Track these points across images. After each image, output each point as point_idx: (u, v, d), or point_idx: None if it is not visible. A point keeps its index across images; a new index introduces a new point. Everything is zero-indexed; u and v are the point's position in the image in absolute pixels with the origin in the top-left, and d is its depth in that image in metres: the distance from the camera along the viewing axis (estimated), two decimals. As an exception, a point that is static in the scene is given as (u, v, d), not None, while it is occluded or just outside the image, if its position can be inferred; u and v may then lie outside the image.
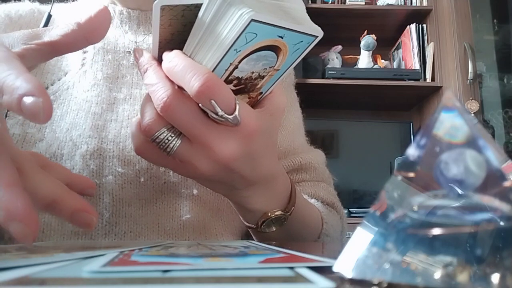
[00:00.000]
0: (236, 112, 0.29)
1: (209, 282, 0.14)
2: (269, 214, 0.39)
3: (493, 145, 0.15)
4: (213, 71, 0.28)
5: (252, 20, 0.25)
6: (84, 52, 0.52)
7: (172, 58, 0.29)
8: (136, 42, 0.54)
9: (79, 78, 0.50)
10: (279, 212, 0.39)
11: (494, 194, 0.14)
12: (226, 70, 0.28)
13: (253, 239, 0.46)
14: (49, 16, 0.49)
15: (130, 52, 0.53)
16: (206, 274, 0.16)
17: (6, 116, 0.45)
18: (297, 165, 0.56)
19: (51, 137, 0.45)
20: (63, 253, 0.22)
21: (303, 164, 0.56)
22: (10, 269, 0.16)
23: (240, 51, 0.27)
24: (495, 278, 0.13)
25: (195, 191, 0.47)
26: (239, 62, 0.28)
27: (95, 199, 0.44)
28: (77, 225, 0.27)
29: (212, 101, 0.28)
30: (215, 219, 0.50)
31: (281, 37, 0.27)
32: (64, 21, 0.56)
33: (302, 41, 0.29)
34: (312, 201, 0.53)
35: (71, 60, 0.52)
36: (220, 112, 0.28)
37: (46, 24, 0.49)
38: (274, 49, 0.28)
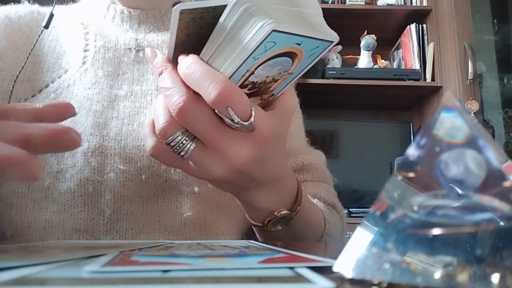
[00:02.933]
0: (252, 119, 0.29)
1: (209, 282, 0.14)
2: (276, 213, 0.39)
3: (493, 145, 0.15)
4: (230, 77, 0.28)
5: (273, 30, 0.25)
6: (85, 51, 0.52)
7: (189, 63, 0.29)
8: (136, 39, 0.54)
9: (80, 76, 0.50)
10: (285, 212, 0.39)
11: (494, 194, 0.14)
12: (243, 76, 0.29)
13: (254, 237, 0.46)
14: (51, 16, 0.49)
15: (130, 49, 0.53)
16: (206, 274, 0.16)
17: None
18: (299, 165, 0.56)
19: None
20: (63, 253, 0.22)
21: (305, 164, 0.57)
22: (10, 269, 0.16)
23: (258, 58, 0.27)
24: (495, 278, 0.13)
25: (196, 189, 0.47)
26: (256, 68, 0.28)
27: (97, 196, 0.44)
28: (61, 150, 0.25)
29: (229, 109, 0.28)
30: (216, 217, 0.50)
31: (299, 44, 0.28)
32: (65, 23, 0.56)
33: (318, 47, 0.29)
34: (315, 201, 0.54)
35: (71, 58, 0.52)
36: (237, 119, 0.28)
37: (47, 24, 0.49)
38: (291, 55, 0.28)
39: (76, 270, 0.16)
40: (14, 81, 0.47)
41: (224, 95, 0.27)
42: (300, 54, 0.29)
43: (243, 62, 0.27)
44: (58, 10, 0.56)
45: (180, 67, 0.29)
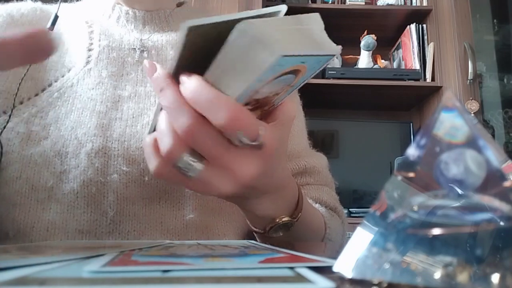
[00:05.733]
0: (260, 138, 0.29)
1: (209, 282, 0.14)
2: (277, 220, 0.39)
3: (493, 145, 0.15)
4: (236, 99, 0.28)
5: (281, 56, 0.25)
6: (89, 50, 0.52)
7: (195, 87, 0.28)
8: (141, 40, 0.54)
9: (83, 76, 0.50)
10: (286, 219, 0.39)
11: (494, 194, 0.14)
12: (249, 96, 0.29)
13: (255, 239, 0.46)
14: (56, 17, 0.49)
15: (135, 49, 0.53)
16: (206, 274, 0.16)
17: (10, 115, 0.45)
18: (302, 168, 0.56)
19: (56, 135, 0.45)
20: (63, 253, 0.22)
21: (307, 167, 0.56)
22: (10, 269, 0.16)
23: (264, 81, 0.27)
24: (495, 278, 0.13)
25: None
26: (261, 88, 0.28)
27: (100, 197, 0.44)
28: (38, 55, 0.24)
29: (238, 132, 0.28)
30: (218, 219, 0.50)
31: (303, 62, 0.28)
32: (68, 21, 0.55)
33: (320, 61, 0.29)
34: (316, 205, 0.53)
35: (74, 57, 0.52)
36: (246, 141, 0.28)
37: (52, 26, 0.48)
38: (294, 72, 0.29)
39: (76, 270, 0.16)
40: (19, 83, 0.47)
41: (233, 120, 0.27)
42: (303, 69, 0.29)
43: (250, 85, 0.27)
44: (61, 8, 0.56)
45: (185, 89, 0.28)
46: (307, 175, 0.57)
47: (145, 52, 0.54)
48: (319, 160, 0.59)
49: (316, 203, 0.54)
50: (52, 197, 0.44)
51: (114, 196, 0.45)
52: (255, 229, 0.41)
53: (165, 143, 0.30)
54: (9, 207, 0.45)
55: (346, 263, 0.16)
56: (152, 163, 0.32)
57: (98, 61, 0.51)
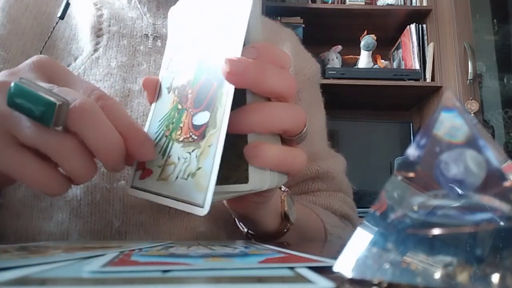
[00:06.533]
0: None
1: (209, 282, 0.14)
2: (282, 198, 0.37)
3: (493, 145, 0.15)
4: None
5: None
6: (98, 36, 0.48)
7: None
8: (154, 25, 0.50)
9: (90, 65, 0.46)
10: (283, 191, 0.38)
11: (494, 194, 0.14)
12: None
13: None
14: (67, 5, 0.45)
15: (147, 35, 0.49)
16: (206, 274, 0.16)
17: None
18: (314, 173, 0.53)
19: None
20: (63, 253, 0.22)
21: (320, 172, 0.53)
22: (10, 269, 0.16)
23: None
24: (495, 278, 0.13)
25: None
26: None
27: (105, 205, 0.41)
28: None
29: None
30: (228, 229, 0.47)
31: None
32: (76, 3, 0.50)
33: None
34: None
35: (81, 43, 0.48)
36: None
37: (63, 14, 0.45)
38: None
39: (76, 270, 0.16)
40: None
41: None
42: None
43: None
44: None
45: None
46: (320, 180, 0.54)
47: (158, 40, 0.50)
48: (334, 164, 0.56)
49: (325, 210, 0.52)
50: (55, 204, 0.42)
51: (120, 204, 0.41)
52: (271, 229, 0.38)
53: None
54: (12, 217, 0.43)
55: (346, 263, 0.16)
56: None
57: (107, 49, 0.47)
